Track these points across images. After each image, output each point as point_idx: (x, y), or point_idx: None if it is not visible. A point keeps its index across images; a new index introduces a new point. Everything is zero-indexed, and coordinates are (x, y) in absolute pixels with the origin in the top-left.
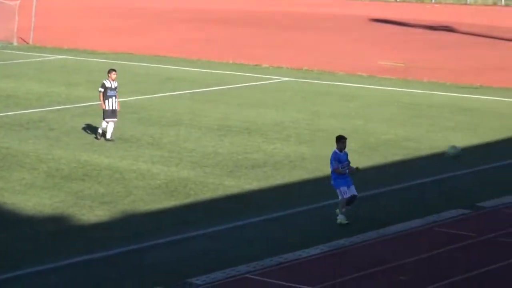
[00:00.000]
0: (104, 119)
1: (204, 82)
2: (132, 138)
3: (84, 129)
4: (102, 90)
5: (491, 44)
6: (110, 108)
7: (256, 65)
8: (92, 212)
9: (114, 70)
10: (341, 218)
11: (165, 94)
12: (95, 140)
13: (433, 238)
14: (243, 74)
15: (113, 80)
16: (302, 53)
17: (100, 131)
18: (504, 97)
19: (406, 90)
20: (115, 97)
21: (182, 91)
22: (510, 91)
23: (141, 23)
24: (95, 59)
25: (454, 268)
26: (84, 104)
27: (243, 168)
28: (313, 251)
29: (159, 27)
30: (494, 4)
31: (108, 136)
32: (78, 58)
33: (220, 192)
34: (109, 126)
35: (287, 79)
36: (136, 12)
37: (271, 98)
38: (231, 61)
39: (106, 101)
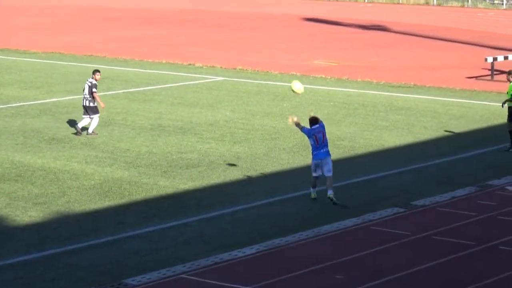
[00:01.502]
0: (89, 115)
1: (138, 81)
2: (65, 139)
3: (17, 129)
4: (96, 90)
5: (424, 43)
6: (94, 104)
7: (190, 64)
8: (26, 213)
9: (99, 71)
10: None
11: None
12: (27, 140)
13: (368, 236)
14: (176, 73)
15: (96, 81)
16: (236, 53)
17: (80, 125)
18: (437, 96)
19: (340, 89)
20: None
21: (116, 90)
22: (444, 90)
23: (72, 22)
24: (26, 59)
25: (390, 266)
26: (16, 105)
27: (177, 168)
28: (249, 250)
29: (90, 26)
30: (427, 3)
31: (91, 130)
32: (9, 57)
33: (155, 192)
34: (94, 120)
35: (221, 78)
36: (66, 10)
37: (205, 98)
38: (164, 61)
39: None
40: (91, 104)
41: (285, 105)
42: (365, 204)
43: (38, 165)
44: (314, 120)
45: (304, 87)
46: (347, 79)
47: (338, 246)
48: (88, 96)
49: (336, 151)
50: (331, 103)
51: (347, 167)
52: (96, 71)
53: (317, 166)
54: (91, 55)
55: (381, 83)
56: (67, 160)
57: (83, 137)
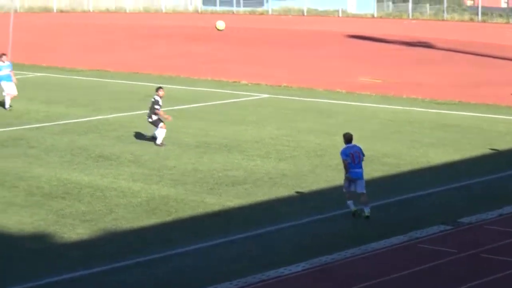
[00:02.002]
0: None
1: (183, 99)
2: (112, 156)
3: (64, 147)
4: (158, 106)
5: (469, 60)
6: (154, 119)
7: (235, 81)
8: (73, 231)
9: (162, 88)
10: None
11: (144, 111)
12: (75, 157)
13: (415, 254)
14: (222, 91)
15: (161, 97)
16: (281, 70)
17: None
18: (483, 113)
19: (385, 106)
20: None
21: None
22: (489, 107)
23: (118, 40)
24: (73, 76)
25: (437, 284)
26: (64, 122)
27: (223, 185)
28: (295, 268)
29: (136, 44)
30: (471, 20)
31: (159, 141)
32: (57, 75)
33: (201, 209)
34: (161, 132)
35: (266, 95)
36: (112, 28)
37: (251, 115)
38: (209, 78)
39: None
40: (151, 120)
41: (330, 122)
42: (411, 221)
43: (85, 182)
44: (349, 138)
45: (349, 104)
46: (393, 96)
47: (384, 264)
48: (149, 111)
49: (382, 168)
50: (377, 120)
51: (393, 184)
52: (159, 88)
53: (352, 182)
54: (137, 73)
55: (427, 100)
56: (114, 178)
57: (129, 154)
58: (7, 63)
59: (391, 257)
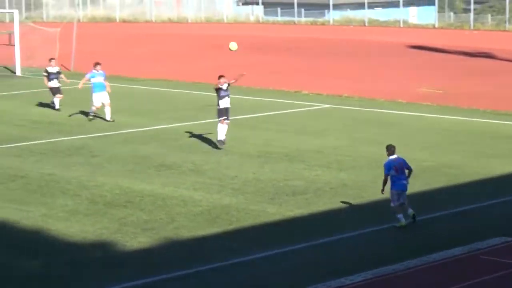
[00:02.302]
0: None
1: (245, 108)
2: (174, 165)
3: (126, 156)
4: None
5: None
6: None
7: (296, 91)
8: (135, 239)
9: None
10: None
11: (206, 120)
12: (136, 166)
13: (477, 266)
14: (283, 100)
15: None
16: (342, 80)
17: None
18: None
19: (446, 116)
20: (228, 97)
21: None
22: None
23: (179, 50)
24: (135, 86)
25: None
26: (126, 131)
27: (284, 195)
28: (356, 278)
29: (199, 53)
30: None
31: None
32: (119, 85)
33: (262, 219)
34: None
35: (327, 106)
36: (173, 38)
37: (312, 125)
38: (271, 88)
39: (220, 100)
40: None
41: (391, 132)
42: (472, 232)
43: (147, 191)
44: (392, 149)
45: (410, 114)
46: (453, 106)
47: (446, 275)
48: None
49: (443, 178)
50: (437, 131)
51: (454, 195)
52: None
53: (399, 195)
54: (199, 82)
55: (488, 110)
56: (176, 187)
57: (190, 163)
58: (100, 72)
59: (453, 268)
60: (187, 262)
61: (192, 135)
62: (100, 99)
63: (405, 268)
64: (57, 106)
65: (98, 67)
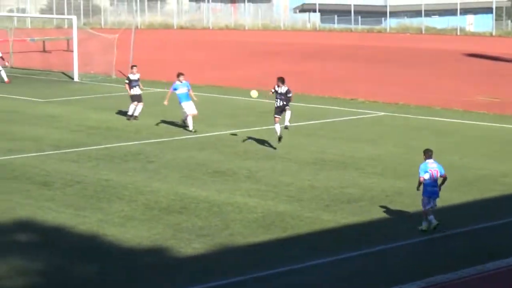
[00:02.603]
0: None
1: (300, 115)
2: (229, 171)
3: (182, 162)
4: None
5: None
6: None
7: (352, 99)
8: (189, 245)
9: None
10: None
11: (262, 127)
12: (192, 173)
13: None
14: (339, 108)
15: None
16: (398, 88)
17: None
18: None
19: (503, 125)
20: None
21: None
22: None
23: (235, 57)
24: (193, 92)
25: None
26: (182, 137)
27: (339, 202)
28: (410, 286)
29: (253, 60)
30: None
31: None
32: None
33: (316, 226)
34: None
35: (383, 113)
36: (230, 45)
37: (367, 133)
38: (327, 95)
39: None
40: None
41: (446, 140)
42: None
43: (203, 197)
44: (429, 153)
45: (466, 123)
46: (510, 115)
47: (502, 285)
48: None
49: (499, 188)
50: (494, 139)
51: (509, 205)
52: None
53: (429, 200)
54: (257, 89)
55: None
56: (231, 193)
57: (246, 170)
58: (184, 82)
59: (508, 278)
60: (241, 269)
61: (248, 141)
62: (188, 110)
63: (459, 277)
64: (136, 113)
65: (182, 77)
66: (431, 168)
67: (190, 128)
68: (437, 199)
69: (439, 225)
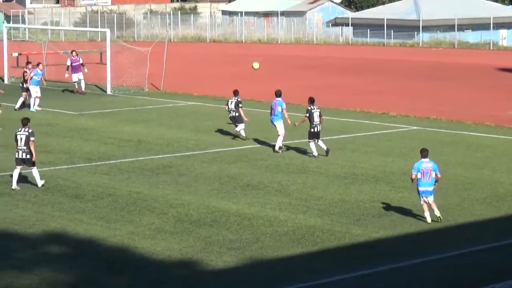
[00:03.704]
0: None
1: (332, 129)
2: (260, 185)
3: (213, 175)
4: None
5: None
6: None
7: (384, 113)
8: (220, 258)
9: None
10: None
11: (293, 141)
12: (223, 186)
13: None
14: (370, 122)
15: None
16: (430, 102)
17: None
18: None
19: None
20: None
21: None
22: None
23: (267, 70)
24: (223, 106)
25: None
26: (213, 151)
27: (370, 216)
28: None
29: (285, 74)
30: None
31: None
32: (208, 104)
33: (347, 240)
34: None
35: (414, 128)
36: (262, 59)
37: (399, 147)
38: (358, 109)
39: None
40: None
41: (478, 155)
42: None
43: (233, 210)
44: (425, 153)
45: (498, 137)
46: None
47: None
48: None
49: None
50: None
51: None
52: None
53: (423, 197)
54: (288, 103)
55: None
56: (261, 207)
57: (277, 184)
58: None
59: None
60: (271, 282)
61: (280, 155)
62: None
63: None
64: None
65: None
66: (423, 168)
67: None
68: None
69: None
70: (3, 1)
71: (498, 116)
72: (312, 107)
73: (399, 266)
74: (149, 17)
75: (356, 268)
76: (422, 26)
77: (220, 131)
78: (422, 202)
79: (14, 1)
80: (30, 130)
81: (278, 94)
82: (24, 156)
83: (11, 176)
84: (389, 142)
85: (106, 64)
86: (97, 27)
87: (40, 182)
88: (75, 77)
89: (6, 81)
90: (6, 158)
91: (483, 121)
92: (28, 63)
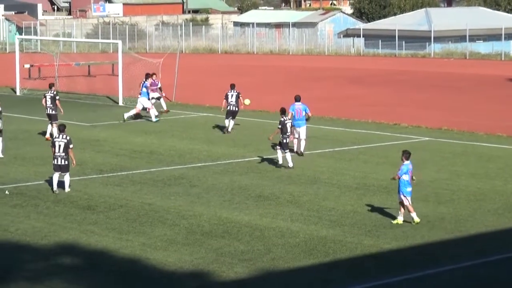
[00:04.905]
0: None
1: (344, 140)
2: (272, 196)
3: (225, 186)
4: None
5: None
6: None
7: (395, 124)
8: (231, 269)
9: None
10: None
11: (306, 152)
12: (235, 197)
13: None
14: (382, 133)
15: None
16: (442, 113)
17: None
18: None
19: None
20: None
21: (322, 149)
22: None
23: (279, 82)
24: (237, 117)
25: None
26: (225, 162)
27: (381, 227)
28: None
29: (300, 85)
30: None
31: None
32: (219, 115)
33: (359, 251)
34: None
35: (426, 138)
36: (274, 70)
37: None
38: (370, 120)
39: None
40: None
41: (490, 166)
42: None
43: (245, 221)
44: (407, 155)
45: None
46: None
47: None
48: None
49: None
50: None
51: None
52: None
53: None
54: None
55: None
56: (273, 218)
57: (288, 195)
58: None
59: None
60: None
61: (292, 166)
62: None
63: None
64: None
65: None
66: (410, 170)
67: (302, 149)
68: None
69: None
70: (15, 13)
71: (510, 127)
72: (284, 118)
73: (411, 277)
74: (161, 29)
75: (368, 279)
76: (434, 37)
77: (232, 142)
78: (406, 203)
79: (26, 13)
80: (68, 138)
81: (298, 98)
82: (62, 163)
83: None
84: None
85: (118, 75)
86: (109, 38)
87: (68, 188)
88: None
89: (18, 93)
90: (16, 170)
91: (495, 132)
92: (152, 74)
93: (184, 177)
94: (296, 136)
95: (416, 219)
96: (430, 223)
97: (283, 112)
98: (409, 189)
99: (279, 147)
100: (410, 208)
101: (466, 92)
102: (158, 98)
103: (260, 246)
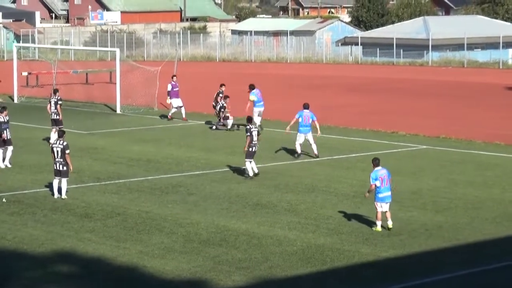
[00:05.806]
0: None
1: (341, 149)
2: (269, 204)
3: (222, 194)
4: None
5: None
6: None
7: (393, 132)
8: (229, 277)
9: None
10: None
11: (303, 160)
12: (232, 205)
13: None
14: (380, 141)
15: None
16: (439, 121)
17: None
18: None
19: None
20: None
21: (320, 157)
22: None
23: (276, 90)
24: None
25: None
26: (223, 170)
27: (379, 235)
28: None
29: (295, 93)
30: None
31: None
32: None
33: (356, 259)
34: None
35: (424, 147)
36: (271, 78)
37: (408, 166)
38: (368, 128)
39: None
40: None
41: (488, 174)
42: None
43: (242, 230)
44: (377, 162)
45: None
46: None
47: None
48: None
49: None
50: None
51: None
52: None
53: (382, 205)
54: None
55: None
56: (271, 226)
57: (286, 203)
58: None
59: None
60: None
61: (288, 174)
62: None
63: None
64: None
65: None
66: (380, 175)
67: (315, 151)
68: (389, 202)
69: (390, 228)
70: (13, 21)
71: (508, 135)
72: (250, 126)
73: (408, 285)
74: (159, 37)
75: (366, 287)
76: (432, 45)
77: (231, 150)
78: (378, 210)
79: (24, 21)
80: (65, 143)
81: (306, 106)
82: (61, 168)
83: (45, 190)
84: (398, 161)
85: (115, 83)
86: (106, 46)
87: (65, 194)
88: (176, 102)
89: (16, 100)
90: (13, 178)
91: (492, 140)
92: (221, 85)
93: (181, 185)
94: (301, 141)
95: (378, 228)
96: (428, 232)
97: (250, 120)
98: (382, 195)
99: (247, 160)
100: (378, 215)
101: (464, 100)
102: (179, 107)
103: (258, 254)
